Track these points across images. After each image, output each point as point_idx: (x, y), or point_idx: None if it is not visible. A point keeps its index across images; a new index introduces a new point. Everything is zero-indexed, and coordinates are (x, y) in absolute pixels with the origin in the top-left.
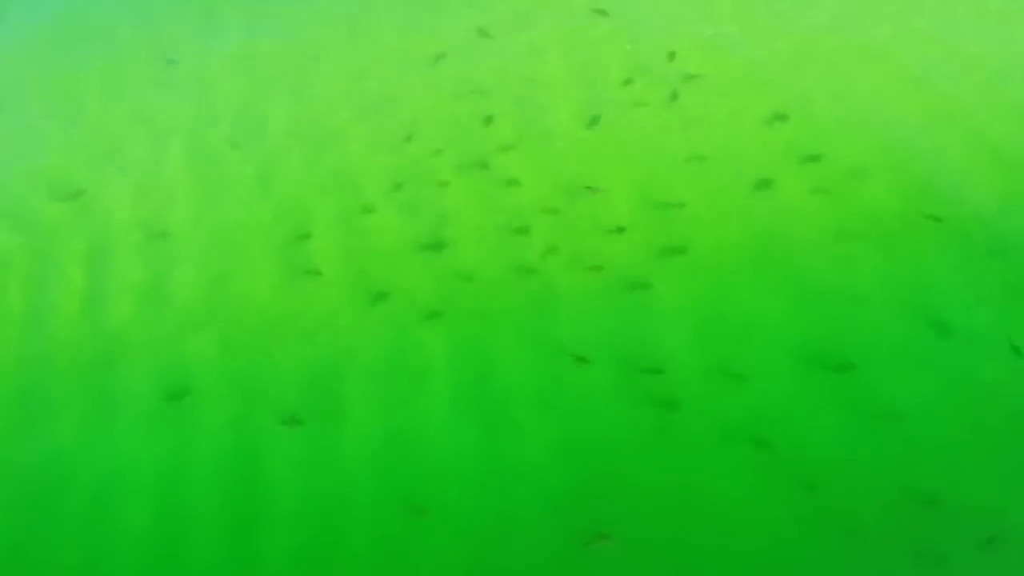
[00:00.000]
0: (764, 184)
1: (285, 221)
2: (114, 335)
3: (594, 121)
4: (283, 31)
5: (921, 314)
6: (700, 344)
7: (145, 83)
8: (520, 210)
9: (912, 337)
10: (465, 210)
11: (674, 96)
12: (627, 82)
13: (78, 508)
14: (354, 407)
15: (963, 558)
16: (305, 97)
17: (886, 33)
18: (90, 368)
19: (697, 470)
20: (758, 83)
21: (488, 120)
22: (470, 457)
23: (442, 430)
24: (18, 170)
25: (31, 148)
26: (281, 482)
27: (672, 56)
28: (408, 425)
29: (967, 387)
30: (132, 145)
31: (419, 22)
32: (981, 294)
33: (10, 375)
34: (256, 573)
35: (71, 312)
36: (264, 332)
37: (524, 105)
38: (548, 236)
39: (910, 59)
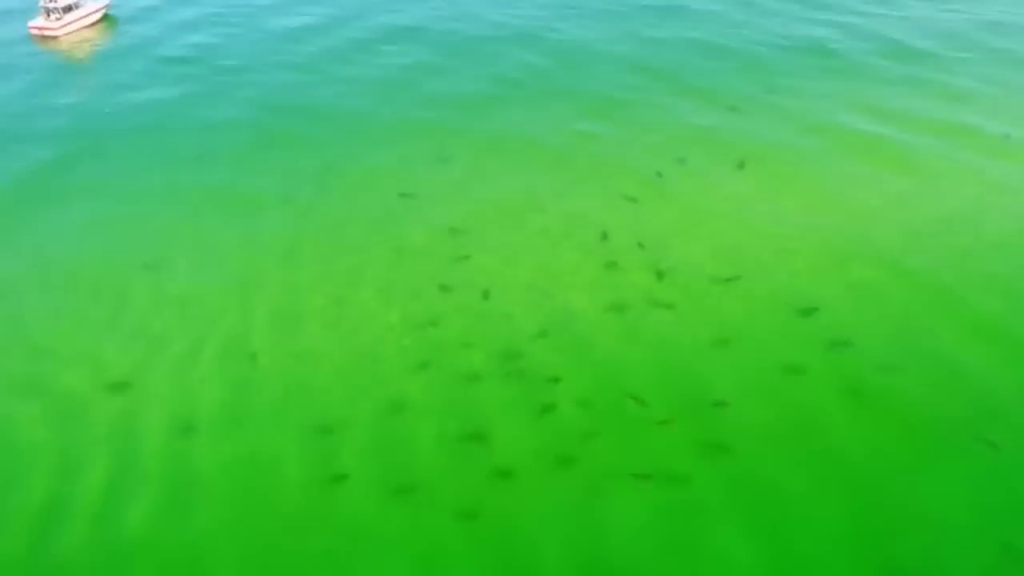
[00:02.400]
0: (796, 370)
1: (312, 420)
2: (132, 536)
3: (619, 309)
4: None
5: (991, 535)
6: (757, 549)
7: (187, 282)
8: (557, 406)
9: (986, 560)
10: (500, 403)
11: (707, 292)
12: (659, 277)
13: None
14: None
15: None
16: (342, 296)
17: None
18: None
19: None
20: (786, 283)
21: (512, 315)
22: None
23: None
24: (58, 351)
25: (77, 332)
26: None
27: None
28: None
29: None
30: (171, 343)
31: (431, 223)
32: None
33: (22, 564)
34: None
35: (91, 505)
36: (289, 533)
37: (552, 298)
38: (585, 426)
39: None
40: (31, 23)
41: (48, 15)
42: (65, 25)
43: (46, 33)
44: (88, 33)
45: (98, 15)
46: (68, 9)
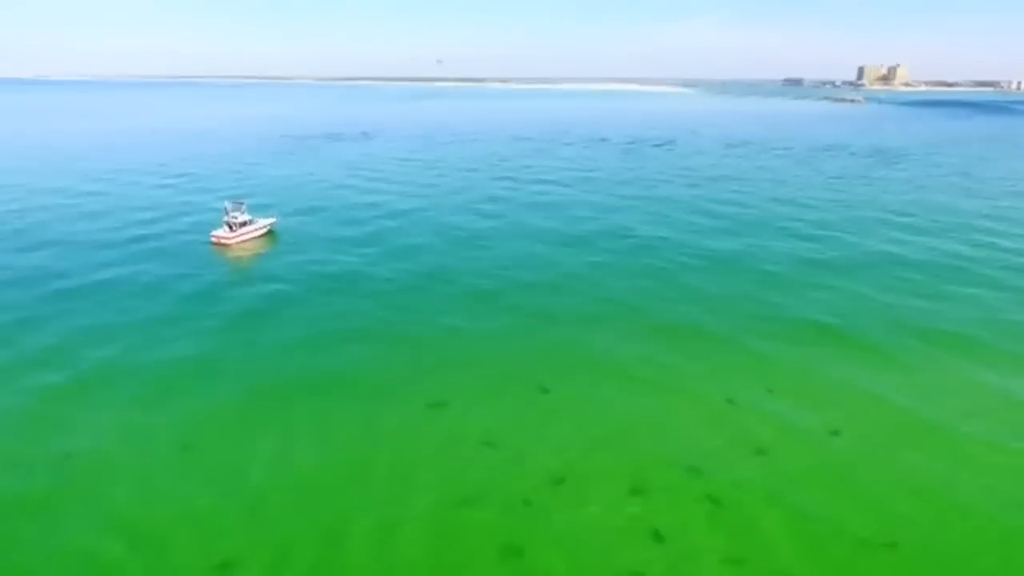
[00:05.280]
0: None
1: None
2: None
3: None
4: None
5: None
6: None
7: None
8: None
9: None
10: None
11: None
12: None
13: None
14: None
15: None
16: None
17: None
18: None
19: None
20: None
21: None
22: None
23: None
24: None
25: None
26: None
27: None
28: None
29: None
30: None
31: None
32: None
33: None
34: None
35: None
36: None
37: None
38: None
39: None
40: (213, 233)
41: (229, 228)
42: (238, 235)
43: (222, 241)
44: (253, 244)
45: (265, 229)
46: (243, 224)
